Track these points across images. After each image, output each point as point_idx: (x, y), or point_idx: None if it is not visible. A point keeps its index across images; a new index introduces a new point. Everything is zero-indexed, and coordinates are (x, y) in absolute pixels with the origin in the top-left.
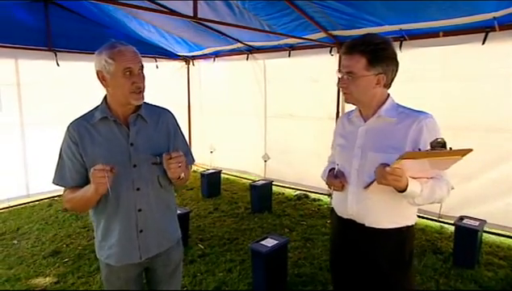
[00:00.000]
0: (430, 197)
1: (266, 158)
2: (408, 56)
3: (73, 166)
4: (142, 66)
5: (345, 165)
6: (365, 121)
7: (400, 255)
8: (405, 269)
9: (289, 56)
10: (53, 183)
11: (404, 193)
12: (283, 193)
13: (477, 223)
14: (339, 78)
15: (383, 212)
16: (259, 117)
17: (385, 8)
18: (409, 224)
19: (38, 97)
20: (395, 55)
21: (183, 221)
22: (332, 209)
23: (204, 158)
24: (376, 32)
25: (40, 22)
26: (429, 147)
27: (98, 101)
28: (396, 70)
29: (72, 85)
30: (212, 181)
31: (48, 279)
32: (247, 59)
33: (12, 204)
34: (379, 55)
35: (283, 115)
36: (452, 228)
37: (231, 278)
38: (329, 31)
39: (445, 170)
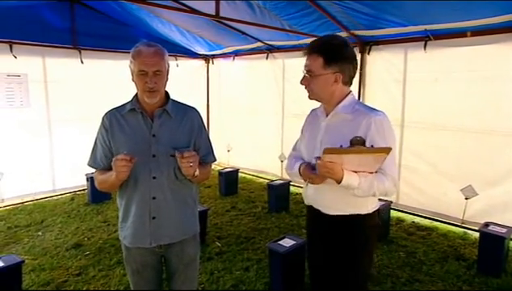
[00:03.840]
0: (368, 190)
1: (282, 158)
2: (432, 57)
3: (103, 151)
4: (159, 69)
5: (309, 156)
6: (327, 116)
7: (351, 241)
8: (358, 255)
9: None
10: (88, 164)
11: (340, 184)
12: (301, 193)
13: (504, 230)
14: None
15: (332, 200)
16: (277, 117)
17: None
18: (361, 213)
19: (64, 94)
20: (352, 56)
21: (201, 218)
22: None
23: (222, 157)
24: (401, 32)
25: (66, 21)
26: (349, 144)
27: (120, 98)
28: (354, 69)
29: (95, 82)
30: (230, 179)
31: (70, 270)
32: (267, 58)
33: (37, 197)
34: (335, 55)
35: (301, 116)
36: (476, 234)
37: (248, 277)
38: (352, 31)
39: (393, 167)
